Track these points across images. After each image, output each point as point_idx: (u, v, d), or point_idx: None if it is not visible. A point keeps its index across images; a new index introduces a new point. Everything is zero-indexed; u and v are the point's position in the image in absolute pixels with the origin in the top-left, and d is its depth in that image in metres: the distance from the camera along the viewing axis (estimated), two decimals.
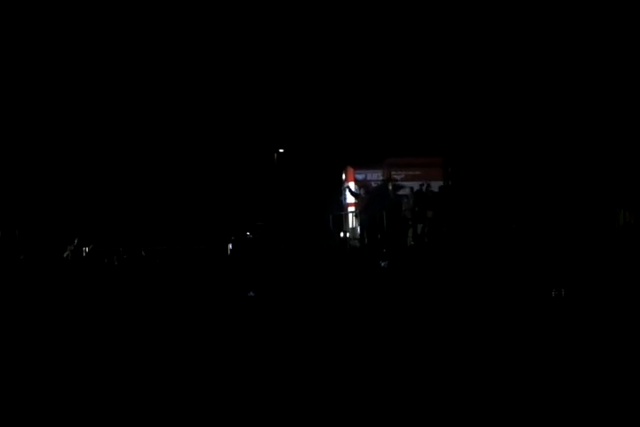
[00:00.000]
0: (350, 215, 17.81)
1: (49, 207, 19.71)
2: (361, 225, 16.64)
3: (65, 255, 14.26)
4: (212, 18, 22.34)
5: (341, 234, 18.35)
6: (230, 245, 15.62)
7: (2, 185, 20.19)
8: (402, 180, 17.84)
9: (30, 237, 16.78)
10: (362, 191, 16.94)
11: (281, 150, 23.69)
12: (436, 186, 17.38)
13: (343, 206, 18.63)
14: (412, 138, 20.72)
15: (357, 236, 16.90)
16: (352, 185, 17.82)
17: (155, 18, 21.88)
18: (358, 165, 18.29)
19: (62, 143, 21.57)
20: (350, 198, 17.70)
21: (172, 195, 21.08)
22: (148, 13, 21.74)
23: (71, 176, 21.17)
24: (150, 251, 15.10)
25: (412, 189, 17.00)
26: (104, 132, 22.00)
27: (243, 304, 8.73)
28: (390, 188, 17.24)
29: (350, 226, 17.73)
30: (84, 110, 22.00)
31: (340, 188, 19.31)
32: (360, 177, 17.91)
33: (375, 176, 17.82)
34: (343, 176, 19.03)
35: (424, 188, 16.73)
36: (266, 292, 9.44)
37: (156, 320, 8.08)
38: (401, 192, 16.99)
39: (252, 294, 9.29)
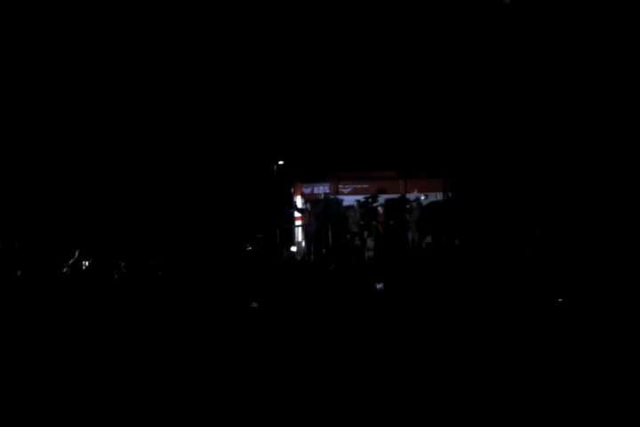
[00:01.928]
0: (298, 229, 17.72)
1: (49, 220, 19.71)
2: (306, 239, 16.56)
3: (64, 270, 14.31)
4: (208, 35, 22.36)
5: (292, 248, 18.24)
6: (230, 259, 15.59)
7: (1, 198, 20.27)
8: (349, 193, 17.82)
9: (30, 250, 16.75)
10: (308, 205, 16.86)
11: (280, 162, 23.41)
12: (382, 199, 17.50)
13: (293, 220, 18.55)
14: (362, 152, 20.73)
15: (304, 250, 16.81)
16: (299, 199, 17.75)
17: (152, 31, 21.86)
18: (306, 179, 18.21)
19: (62, 157, 21.58)
20: (297, 212, 17.63)
21: (171, 207, 21.07)
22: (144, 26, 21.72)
23: (71, 189, 21.19)
24: (149, 264, 15.11)
25: (357, 201, 17.00)
26: (102, 146, 22.03)
27: (246, 315, 8.83)
28: (337, 201, 17.24)
29: (298, 240, 17.64)
30: (83, 122, 22.03)
31: (290, 201, 19.22)
32: (307, 191, 17.84)
33: (322, 190, 17.75)
34: (292, 190, 18.97)
35: (370, 201, 16.75)
36: (269, 302, 9.44)
37: (159, 329, 8.07)
38: (346, 204, 17.02)
39: (254, 304, 9.29)
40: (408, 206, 17.23)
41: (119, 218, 20.41)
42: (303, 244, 16.95)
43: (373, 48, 21.57)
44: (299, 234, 17.60)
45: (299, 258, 16.92)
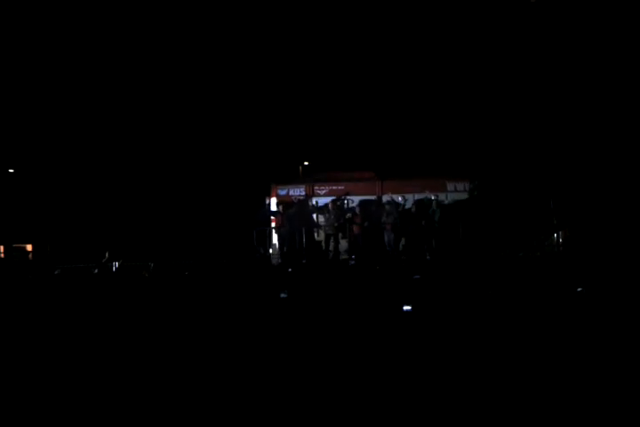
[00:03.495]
0: (274, 231, 17.63)
1: (80, 224, 20.21)
2: (280, 241, 16.49)
3: (95, 271, 14.42)
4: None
5: (270, 250, 18.15)
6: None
7: (34, 202, 20.76)
8: (325, 194, 17.71)
9: (61, 252, 17.47)
10: (281, 207, 16.78)
11: (306, 163, 23.31)
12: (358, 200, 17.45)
13: (268, 222, 18.46)
14: (339, 153, 20.75)
15: (277, 252, 16.74)
16: (273, 201, 17.65)
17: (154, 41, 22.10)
18: (281, 181, 18.10)
19: (93, 165, 22.15)
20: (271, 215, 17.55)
21: (197, 211, 21.51)
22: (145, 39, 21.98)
23: (102, 195, 21.84)
24: (176, 265, 15.57)
25: (333, 202, 16.92)
26: (129, 155, 22.56)
27: (276, 305, 9.00)
28: (312, 203, 17.18)
29: (273, 242, 17.54)
30: (109, 133, 22.58)
31: (266, 203, 19.14)
32: (282, 193, 17.72)
33: (298, 192, 17.66)
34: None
35: (343, 202, 16.70)
36: (298, 293, 9.61)
37: (193, 320, 8.20)
38: (321, 205, 16.97)
39: (284, 295, 9.02)
40: (384, 208, 17.16)
41: (147, 222, 20.94)
42: (277, 246, 16.89)
43: (351, 50, 21.60)
44: (274, 235, 17.52)
45: (275, 260, 16.87)
